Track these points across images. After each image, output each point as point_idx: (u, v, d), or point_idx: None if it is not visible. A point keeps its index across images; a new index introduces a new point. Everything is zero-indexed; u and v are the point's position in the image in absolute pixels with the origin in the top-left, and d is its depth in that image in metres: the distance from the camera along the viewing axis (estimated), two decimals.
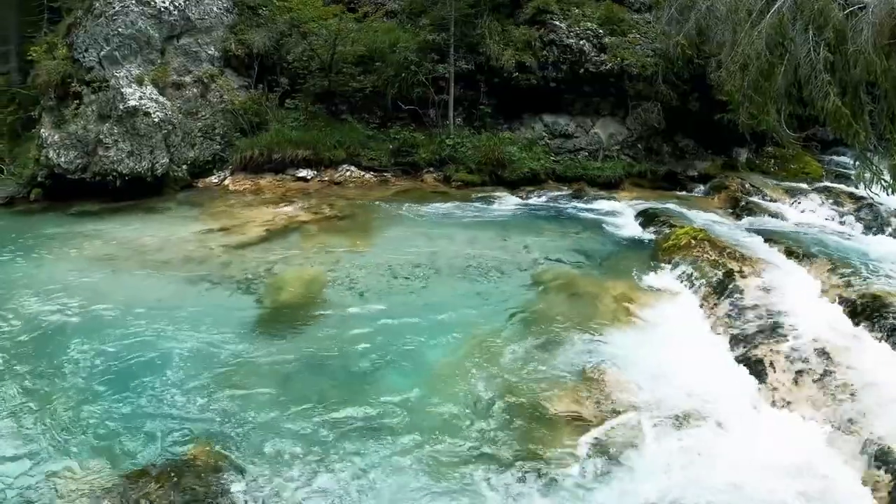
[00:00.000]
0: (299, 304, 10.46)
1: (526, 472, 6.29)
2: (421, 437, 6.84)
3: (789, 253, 11.27)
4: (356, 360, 8.51)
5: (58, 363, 8.73)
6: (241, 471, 6.45)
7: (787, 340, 8.19)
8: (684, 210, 15.11)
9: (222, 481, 6.30)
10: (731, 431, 6.80)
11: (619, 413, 7.10)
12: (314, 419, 7.20)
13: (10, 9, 27.00)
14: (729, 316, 9.26)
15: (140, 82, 18.61)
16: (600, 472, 6.28)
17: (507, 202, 16.62)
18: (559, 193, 17.24)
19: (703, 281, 10.38)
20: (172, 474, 6.39)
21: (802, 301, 9.24)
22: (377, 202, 16.53)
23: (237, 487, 6.22)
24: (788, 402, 7.28)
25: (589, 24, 19.64)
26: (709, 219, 14.30)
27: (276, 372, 8.24)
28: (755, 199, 15.94)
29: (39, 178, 18.92)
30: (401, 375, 8.12)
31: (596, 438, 6.70)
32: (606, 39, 19.36)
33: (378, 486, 6.21)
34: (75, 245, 14.15)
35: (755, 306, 9.23)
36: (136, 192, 17.83)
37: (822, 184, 17.04)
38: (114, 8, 18.80)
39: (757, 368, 7.92)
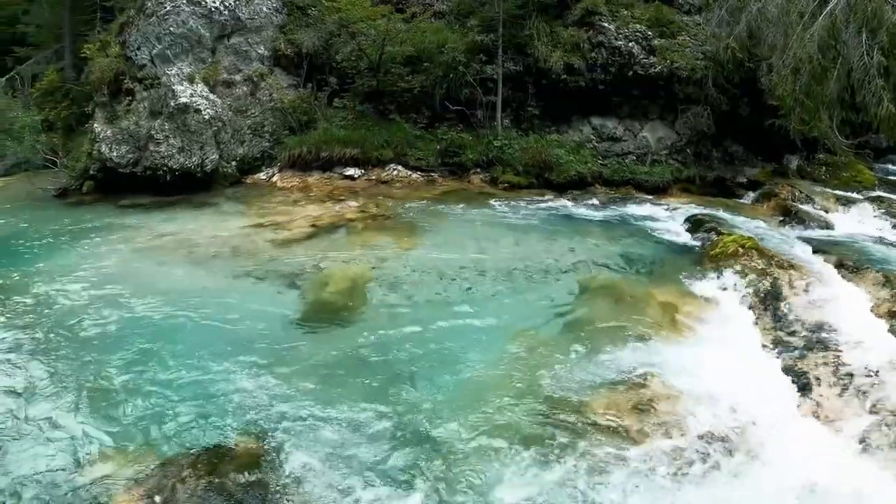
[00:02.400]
0: (343, 301, 10.51)
1: (562, 477, 6.25)
2: (458, 439, 6.83)
3: (839, 264, 10.99)
4: (398, 359, 8.53)
5: (102, 350, 8.96)
6: (276, 462, 6.52)
7: (834, 355, 8.03)
8: (733, 217, 14.90)
9: (258, 471, 6.38)
10: (771, 445, 6.67)
11: (660, 423, 7.02)
12: (352, 417, 7.23)
13: (64, 8, 27.54)
14: (775, 327, 9.11)
15: (191, 80, 18.89)
16: (637, 484, 6.21)
17: (553, 205, 16.50)
18: (606, 197, 17.08)
19: (750, 290, 10.21)
20: (209, 462, 6.49)
21: (851, 315, 9.04)
22: (424, 202, 16.55)
23: (272, 478, 6.28)
24: (832, 419, 7.12)
25: (638, 25, 19.37)
26: (757, 227, 14.09)
27: (316, 367, 8.30)
28: (805, 207, 15.64)
29: (92, 172, 19.35)
30: (441, 376, 8.11)
31: (635, 449, 6.62)
32: (655, 41, 19.09)
33: (409, 487, 6.21)
34: (125, 237, 14.47)
35: (802, 318, 9.07)
36: (186, 187, 18.16)
37: (874, 193, 16.77)
38: (165, 7, 19.14)
39: (802, 382, 7.76)
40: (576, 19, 19.91)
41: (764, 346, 8.82)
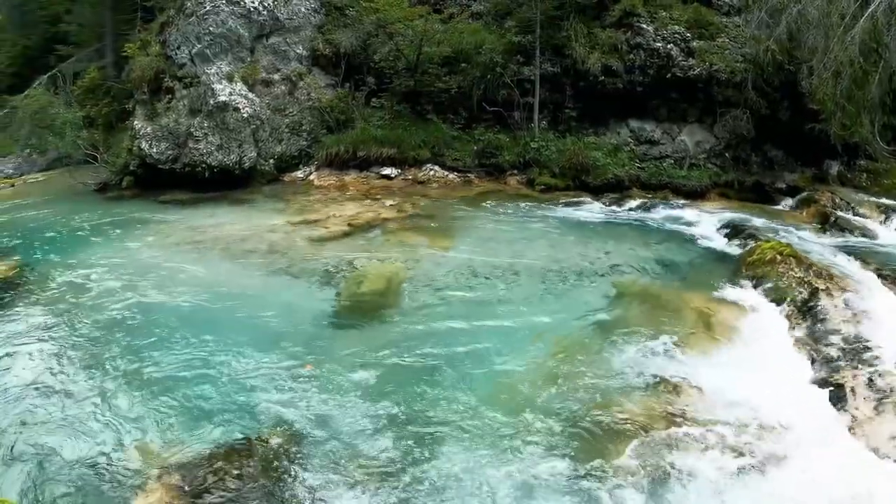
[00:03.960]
0: (378, 299, 10.52)
1: (587, 480, 6.21)
2: (488, 438, 6.81)
3: (879, 274, 10.72)
4: (430, 357, 8.52)
5: (137, 340, 9.10)
6: (308, 457, 6.55)
7: (871, 367, 7.82)
8: (771, 223, 14.69)
9: (289, 466, 6.41)
10: (803, 458, 6.54)
11: (691, 432, 6.92)
12: (383, 414, 7.25)
13: (105, 7, 27.97)
14: (811, 336, 8.89)
15: (230, 79, 19.08)
16: (662, 490, 6.15)
17: (589, 208, 16.44)
18: (643, 201, 16.93)
19: (787, 298, 9.97)
20: (241, 455, 6.53)
21: (890, 326, 8.79)
22: (460, 202, 16.60)
23: (303, 474, 6.31)
24: (866, 434, 6.93)
25: (676, 27, 19.18)
26: (796, 234, 13.85)
27: (349, 365, 8.31)
28: (845, 214, 15.31)
29: (131, 167, 19.77)
30: (474, 377, 8.08)
31: (663, 455, 6.55)
32: (694, 43, 18.90)
33: (435, 485, 6.20)
34: (163, 231, 14.74)
35: (839, 329, 8.84)
36: (224, 184, 18.43)
37: None
38: (205, 8, 19.36)
39: (836, 394, 7.56)
40: (614, 20, 19.80)
41: (799, 356, 8.63)
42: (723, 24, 19.63)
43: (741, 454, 6.53)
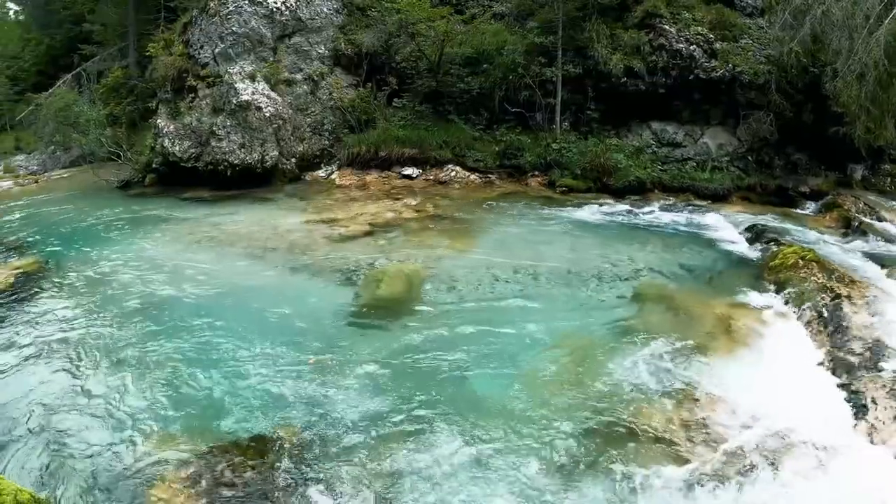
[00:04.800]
0: (397, 300, 10.45)
1: (604, 487, 6.16)
2: (504, 443, 6.76)
3: None
4: (448, 359, 8.45)
5: (157, 334, 9.16)
6: (323, 454, 6.54)
7: (892, 375, 7.70)
8: (793, 228, 14.49)
9: (305, 462, 6.42)
10: (821, 467, 6.42)
11: (709, 440, 6.84)
12: (399, 415, 7.21)
13: (128, 7, 28.25)
14: (833, 344, 8.71)
15: (252, 78, 19.18)
16: (680, 499, 6.09)
17: (611, 210, 16.27)
18: (665, 204, 16.79)
19: (809, 304, 9.75)
20: (258, 449, 6.56)
21: None
22: (481, 203, 16.55)
23: (318, 470, 6.32)
24: (887, 443, 6.76)
25: (699, 28, 19.07)
26: (819, 239, 13.63)
27: (367, 364, 8.28)
28: (869, 220, 15.09)
29: (154, 165, 20.02)
30: (491, 379, 8.03)
31: (683, 464, 6.50)
32: (717, 45, 18.79)
33: (449, 486, 6.17)
34: (185, 228, 14.83)
35: (861, 335, 8.69)
36: (246, 183, 18.56)
37: None
38: (228, 8, 19.52)
39: (857, 402, 7.39)
40: (636, 21, 19.73)
41: (820, 363, 8.48)
42: (746, 26, 19.50)
43: (760, 463, 6.46)
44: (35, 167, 26.98)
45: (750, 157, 18.43)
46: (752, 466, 6.40)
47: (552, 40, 19.53)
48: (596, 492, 6.11)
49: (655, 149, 19.25)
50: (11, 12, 47.51)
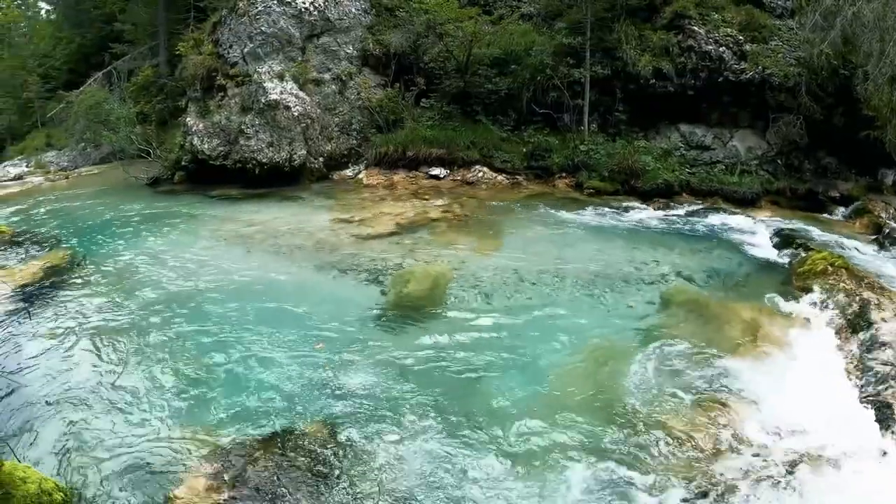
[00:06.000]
0: (423, 299, 10.50)
1: (627, 492, 6.15)
2: (528, 446, 6.79)
3: None
4: (473, 360, 8.49)
5: (184, 330, 9.28)
6: (345, 451, 6.59)
7: None
8: (823, 233, 14.31)
9: (326, 458, 6.46)
10: (846, 478, 6.34)
11: (735, 447, 6.81)
12: (423, 414, 7.25)
13: (158, 7, 28.52)
14: (861, 352, 8.61)
15: (281, 78, 19.28)
16: None
17: (638, 213, 16.21)
18: (693, 207, 16.66)
19: (837, 312, 9.66)
20: (280, 445, 6.62)
21: None
22: (508, 204, 16.57)
23: (340, 466, 6.36)
24: None
25: (728, 29, 18.92)
26: (849, 245, 13.44)
27: (392, 363, 8.35)
28: None
29: (183, 163, 20.26)
30: (515, 381, 8.05)
31: (707, 470, 6.46)
32: (747, 46, 18.61)
33: (472, 488, 6.18)
34: (214, 225, 15.03)
35: (890, 343, 8.59)
36: (274, 181, 18.70)
37: None
38: (257, 8, 19.65)
39: (883, 413, 7.29)
40: (665, 23, 19.62)
41: (847, 372, 8.36)
42: (776, 27, 19.28)
43: (784, 470, 6.42)
44: (65, 163, 27.27)
45: (779, 161, 18.20)
46: (777, 473, 6.37)
47: (580, 41, 19.48)
48: (615, 496, 6.11)
49: (684, 151, 19.10)
50: (43, 11, 48.00)
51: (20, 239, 13.18)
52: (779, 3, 19.94)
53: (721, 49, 18.59)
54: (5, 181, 25.31)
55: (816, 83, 17.13)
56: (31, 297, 10.34)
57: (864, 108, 15.50)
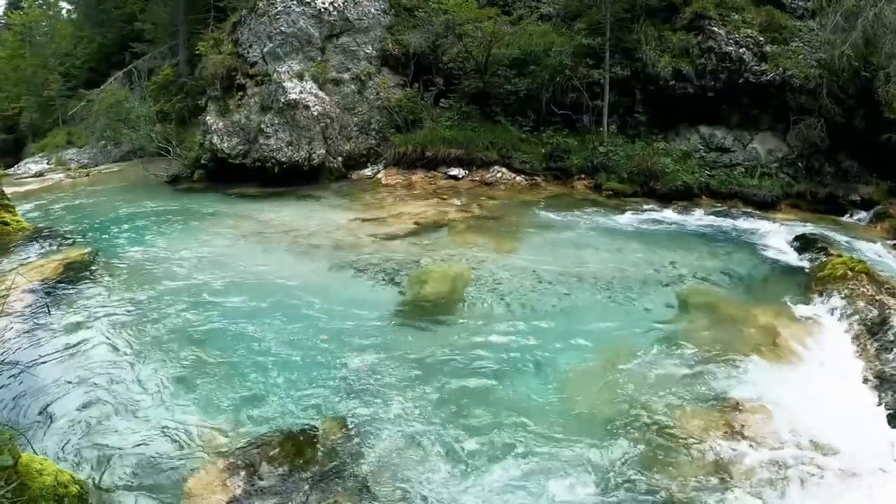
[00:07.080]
0: (441, 299, 10.46)
1: (643, 497, 6.13)
2: (540, 447, 6.72)
3: None
4: (490, 361, 8.42)
5: (201, 327, 9.25)
6: (360, 451, 6.55)
7: None
8: (844, 237, 14.19)
9: (342, 458, 6.42)
10: (862, 489, 6.28)
11: (751, 454, 6.75)
12: (440, 414, 7.20)
13: (178, 7, 28.74)
14: (880, 359, 8.57)
15: (300, 77, 19.37)
16: None
17: (657, 215, 16.14)
18: (712, 210, 16.58)
19: (857, 317, 9.48)
20: (296, 443, 6.58)
21: None
22: (526, 205, 16.54)
23: (355, 465, 6.32)
24: None
25: (749, 30, 18.82)
26: (870, 249, 13.34)
27: (409, 363, 8.30)
28: None
29: (203, 161, 20.42)
30: (532, 383, 7.97)
31: (724, 479, 6.42)
32: (767, 48, 18.50)
33: (488, 490, 6.12)
34: (232, 223, 15.06)
35: None
36: (293, 180, 18.81)
37: None
38: (276, 8, 19.78)
39: None
40: (685, 23, 19.55)
41: (866, 379, 8.32)
42: (796, 28, 19.16)
43: (799, 477, 6.37)
44: (86, 161, 27.50)
45: (800, 164, 18.05)
46: (791, 480, 6.32)
47: (600, 42, 19.48)
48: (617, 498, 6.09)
49: (703, 153, 18.99)
50: (64, 11, 48.40)
51: (41, 235, 13.21)
52: (799, 3, 19.81)
53: (741, 50, 18.50)
54: (27, 178, 25.60)
55: (837, 85, 16.98)
56: (51, 291, 10.38)
57: (886, 111, 15.40)
